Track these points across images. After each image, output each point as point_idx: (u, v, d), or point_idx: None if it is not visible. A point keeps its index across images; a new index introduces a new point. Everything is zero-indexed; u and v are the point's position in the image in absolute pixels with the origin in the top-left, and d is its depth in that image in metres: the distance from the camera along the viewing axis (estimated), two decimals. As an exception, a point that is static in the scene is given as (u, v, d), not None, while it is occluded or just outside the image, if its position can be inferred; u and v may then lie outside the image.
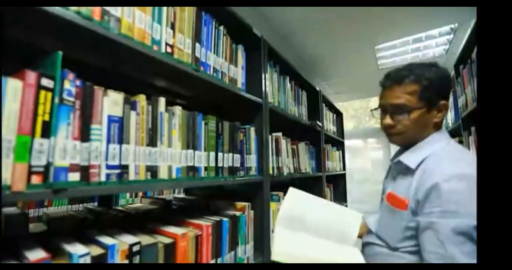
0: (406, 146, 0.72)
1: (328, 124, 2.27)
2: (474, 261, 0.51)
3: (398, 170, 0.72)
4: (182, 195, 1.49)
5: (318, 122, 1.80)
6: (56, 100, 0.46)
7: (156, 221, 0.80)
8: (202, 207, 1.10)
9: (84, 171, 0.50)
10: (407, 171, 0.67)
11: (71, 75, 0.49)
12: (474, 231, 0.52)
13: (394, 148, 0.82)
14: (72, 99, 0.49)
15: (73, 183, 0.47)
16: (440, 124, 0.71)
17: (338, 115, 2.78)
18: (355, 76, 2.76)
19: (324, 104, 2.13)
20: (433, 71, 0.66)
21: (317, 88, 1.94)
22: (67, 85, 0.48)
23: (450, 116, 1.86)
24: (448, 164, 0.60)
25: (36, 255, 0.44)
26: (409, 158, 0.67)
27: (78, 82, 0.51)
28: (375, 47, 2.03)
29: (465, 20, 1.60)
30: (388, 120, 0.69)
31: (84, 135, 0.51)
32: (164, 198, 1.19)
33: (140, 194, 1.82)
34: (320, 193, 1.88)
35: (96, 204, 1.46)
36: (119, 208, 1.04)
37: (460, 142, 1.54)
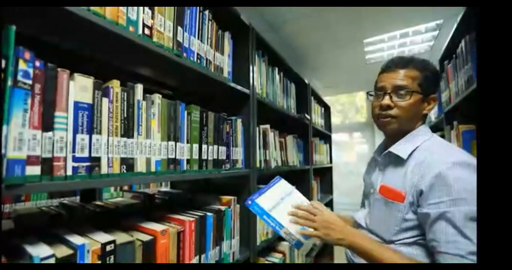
0: (394, 137, 0.71)
1: (316, 117, 2.27)
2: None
3: (387, 162, 0.71)
4: (166, 189, 1.44)
5: (306, 115, 1.79)
6: (9, 82, 0.40)
7: (136, 216, 0.76)
8: (186, 201, 1.05)
9: (47, 164, 0.44)
10: (398, 162, 0.67)
11: (27, 54, 0.42)
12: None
13: (379, 142, 0.83)
14: (29, 82, 0.42)
15: (32, 177, 0.42)
16: (425, 118, 0.72)
17: (326, 109, 2.79)
18: (343, 70, 2.76)
19: (312, 98, 2.11)
20: (432, 66, 0.69)
21: (306, 81, 1.91)
22: (22, 65, 0.41)
23: (432, 111, 1.90)
24: (445, 153, 0.60)
25: (-11, 259, 0.39)
26: (400, 149, 0.67)
27: (38, 63, 0.44)
28: (364, 40, 2.02)
29: (450, 16, 1.62)
30: (386, 101, 0.67)
31: (46, 124, 0.45)
32: (147, 192, 1.14)
33: (126, 187, 1.75)
34: (307, 186, 1.89)
35: (78, 198, 1.38)
36: (98, 203, 0.98)
37: (442, 136, 1.59)
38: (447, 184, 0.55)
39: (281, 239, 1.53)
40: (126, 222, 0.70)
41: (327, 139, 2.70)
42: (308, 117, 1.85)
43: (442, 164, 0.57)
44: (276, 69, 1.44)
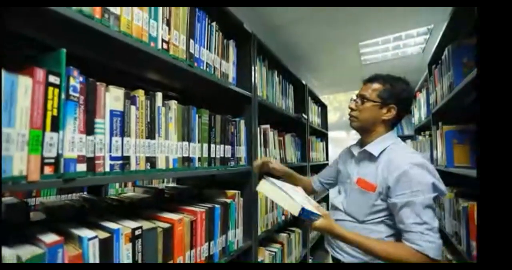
0: (360, 133, 0.92)
1: (313, 116, 2.37)
2: (436, 222, 0.72)
3: (362, 157, 0.89)
4: (173, 184, 1.53)
5: (303, 115, 1.89)
6: (63, 96, 0.49)
7: (151, 208, 0.85)
8: (193, 195, 1.15)
9: (90, 162, 0.54)
10: (371, 159, 0.86)
11: (75, 72, 0.51)
12: (431, 201, 0.73)
13: None
14: (77, 95, 0.51)
15: (81, 173, 0.51)
16: (391, 125, 0.89)
17: (323, 108, 2.89)
18: (340, 70, 2.86)
19: (309, 98, 2.21)
20: (399, 83, 0.85)
21: (303, 82, 2.01)
22: (72, 81, 0.51)
23: (422, 112, 2.02)
24: (407, 156, 0.79)
25: (50, 238, 0.48)
26: (373, 148, 0.86)
27: (81, 78, 0.53)
28: (359, 43, 2.12)
29: (439, 22, 1.72)
30: (351, 104, 0.90)
31: (89, 129, 0.54)
32: (157, 187, 1.23)
33: (130, 183, 1.85)
34: (304, 182, 1.99)
35: (85, 193, 1.47)
36: (114, 197, 1.07)
37: (430, 135, 1.70)
38: (408, 179, 0.74)
39: (279, 231, 1.65)
40: (145, 212, 0.80)
41: (323, 136, 2.81)
42: (305, 116, 1.95)
43: (406, 164, 0.76)
44: (276, 72, 1.53)
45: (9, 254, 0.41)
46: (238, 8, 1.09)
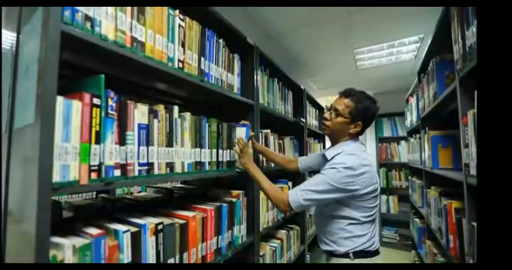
0: (330, 140, 1.07)
1: (311, 119, 2.48)
2: (314, 197, 0.89)
3: (324, 159, 1.02)
4: (179, 185, 1.64)
5: (302, 119, 1.99)
6: (103, 114, 0.59)
7: (165, 206, 0.96)
8: (200, 195, 1.26)
9: (123, 168, 0.64)
10: (327, 160, 0.98)
11: (112, 94, 0.62)
12: (327, 186, 0.88)
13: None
14: (113, 112, 0.62)
15: (117, 178, 0.62)
16: (355, 136, 1.02)
17: (320, 110, 3.00)
18: (337, 74, 2.97)
19: (307, 102, 2.32)
20: (368, 103, 0.97)
21: (302, 87, 2.11)
22: (110, 102, 0.61)
23: (414, 116, 2.13)
24: (343, 158, 0.92)
25: (94, 231, 0.59)
26: (329, 153, 0.99)
27: (115, 98, 0.63)
28: (354, 50, 2.23)
29: (429, 32, 1.83)
30: (326, 114, 1.03)
31: (122, 140, 0.64)
32: (167, 187, 1.34)
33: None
34: (302, 181, 2.10)
35: (94, 192, 1.57)
36: (128, 196, 1.18)
37: (419, 138, 1.82)
38: (331, 168, 0.90)
39: (279, 228, 1.76)
40: (161, 210, 0.90)
41: (321, 138, 2.92)
42: (303, 120, 2.06)
43: (337, 164, 0.89)
44: (276, 79, 1.64)
45: (67, 243, 0.52)
46: (240, 20, 1.19)
